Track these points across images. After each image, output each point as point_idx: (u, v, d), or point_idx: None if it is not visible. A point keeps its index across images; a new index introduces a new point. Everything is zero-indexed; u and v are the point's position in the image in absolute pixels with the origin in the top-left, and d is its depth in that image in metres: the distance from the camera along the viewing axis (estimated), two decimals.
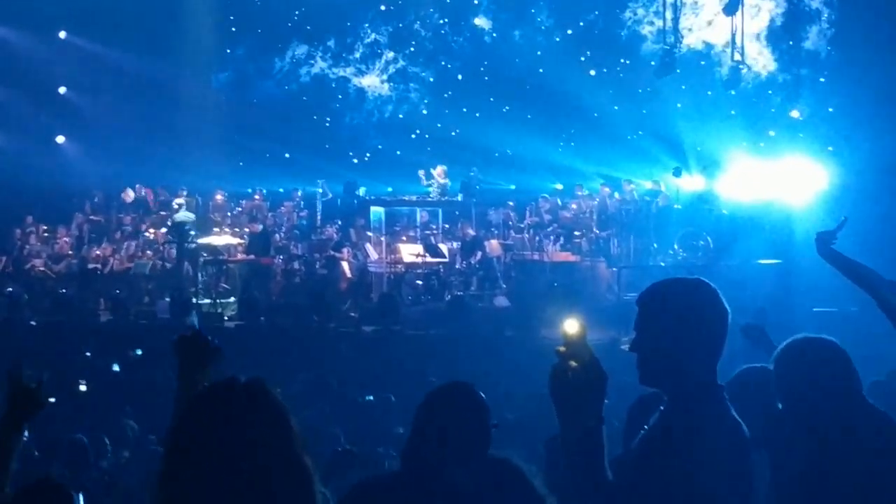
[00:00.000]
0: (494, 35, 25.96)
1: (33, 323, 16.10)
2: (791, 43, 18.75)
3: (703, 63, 21.09)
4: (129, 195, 22.95)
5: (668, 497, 2.82)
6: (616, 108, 23.42)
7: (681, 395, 2.96)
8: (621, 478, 2.85)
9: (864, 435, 3.76)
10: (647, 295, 3.07)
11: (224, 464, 2.15)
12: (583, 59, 24.43)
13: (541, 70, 24.35)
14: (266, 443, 2.20)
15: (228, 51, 26.78)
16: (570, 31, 24.80)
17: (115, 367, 12.45)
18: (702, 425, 2.88)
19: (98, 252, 20.70)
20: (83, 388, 11.01)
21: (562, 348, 2.77)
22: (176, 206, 20.35)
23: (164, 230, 20.90)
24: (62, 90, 26.02)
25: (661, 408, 3.02)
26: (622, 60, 23.93)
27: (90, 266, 20.03)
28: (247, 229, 20.25)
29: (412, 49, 26.95)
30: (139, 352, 12.71)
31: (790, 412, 3.94)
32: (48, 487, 4.10)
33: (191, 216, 19.64)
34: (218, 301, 18.22)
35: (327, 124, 27.68)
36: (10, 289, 18.61)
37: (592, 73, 24.25)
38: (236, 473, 2.15)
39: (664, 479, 2.82)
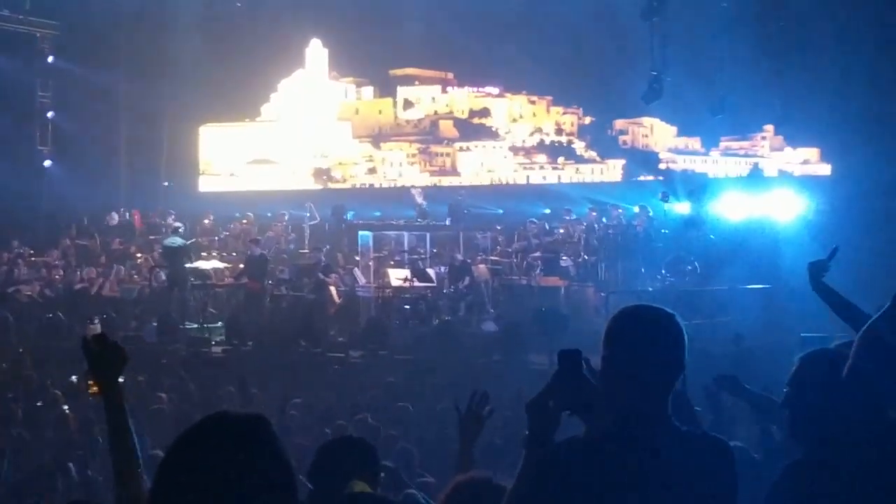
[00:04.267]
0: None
1: (20, 350, 16.01)
2: (777, 66, 18.82)
3: (689, 87, 21.14)
4: (114, 218, 22.87)
5: None
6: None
7: (625, 427, 2.90)
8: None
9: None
10: (608, 324, 3.01)
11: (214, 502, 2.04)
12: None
13: None
14: (264, 484, 2.08)
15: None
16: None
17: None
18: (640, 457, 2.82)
19: (85, 276, 20.59)
20: (66, 409, 10.96)
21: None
22: (172, 229, 20.11)
23: (154, 254, 20.82)
24: (50, 115, 26.00)
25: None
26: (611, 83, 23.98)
27: (77, 290, 19.92)
28: (248, 251, 20.05)
29: None
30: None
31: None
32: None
33: (183, 241, 19.52)
34: (205, 325, 18.14)
35: None
36: None
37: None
38: None
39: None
